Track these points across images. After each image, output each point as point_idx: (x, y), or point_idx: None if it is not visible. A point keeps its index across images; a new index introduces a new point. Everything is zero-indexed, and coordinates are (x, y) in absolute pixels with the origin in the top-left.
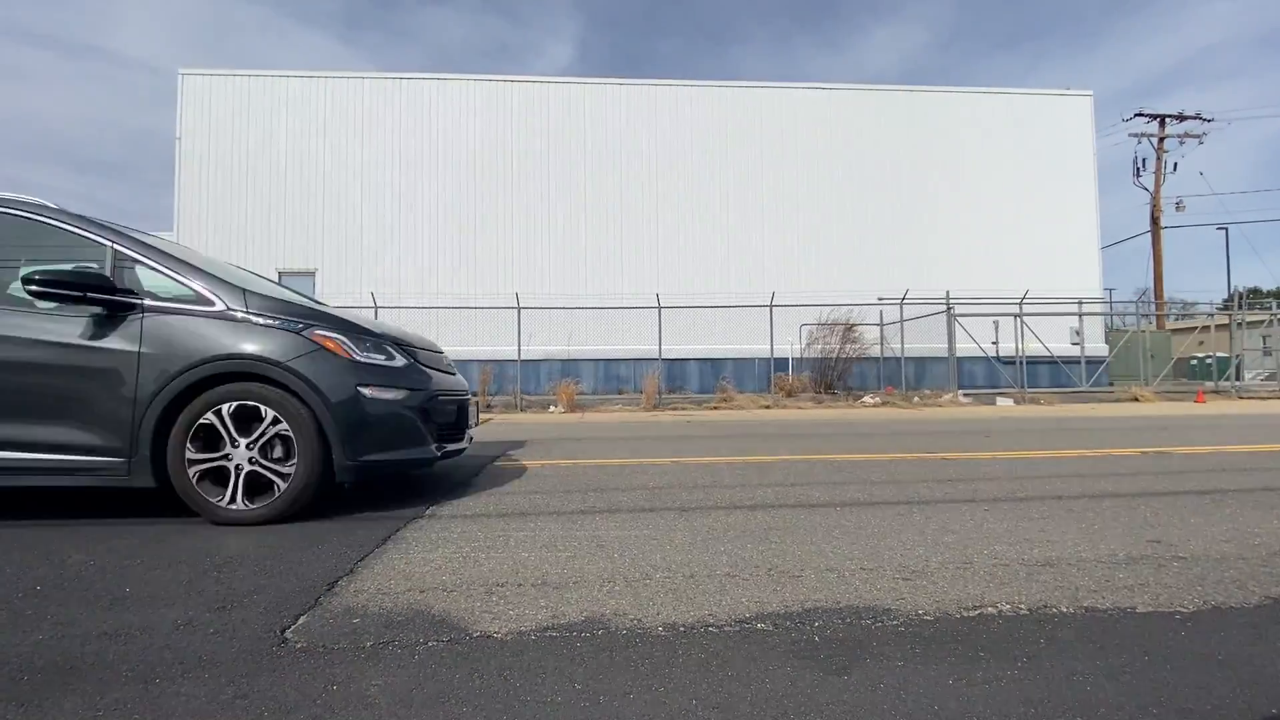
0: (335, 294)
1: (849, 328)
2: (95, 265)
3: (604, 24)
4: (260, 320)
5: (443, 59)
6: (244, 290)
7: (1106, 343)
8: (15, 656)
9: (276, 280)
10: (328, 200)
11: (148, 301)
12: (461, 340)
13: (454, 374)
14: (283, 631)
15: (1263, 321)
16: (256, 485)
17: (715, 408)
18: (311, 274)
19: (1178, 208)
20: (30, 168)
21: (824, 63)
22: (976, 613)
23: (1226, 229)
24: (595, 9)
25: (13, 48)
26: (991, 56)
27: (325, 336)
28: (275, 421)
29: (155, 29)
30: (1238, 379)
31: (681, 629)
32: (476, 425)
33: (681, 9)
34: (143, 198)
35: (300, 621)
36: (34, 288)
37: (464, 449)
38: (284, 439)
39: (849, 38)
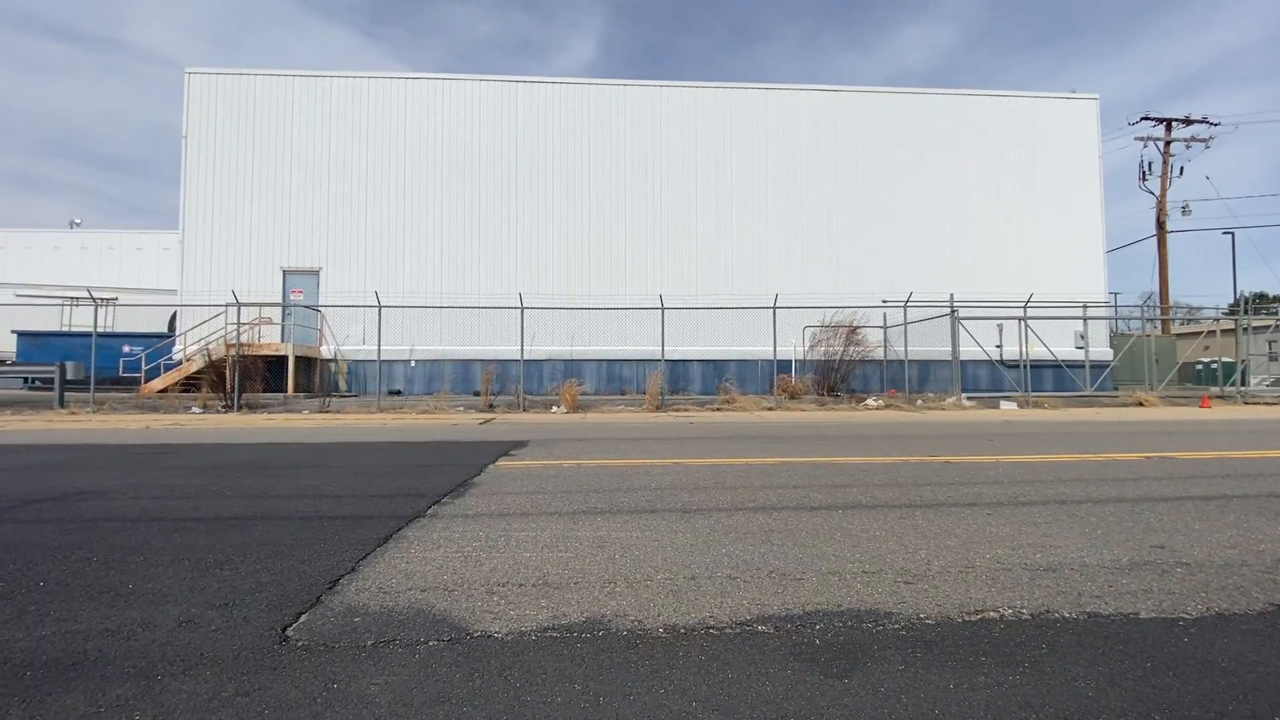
0: (339, 293)
1: (852, 330)
2: None
3: (629, 20)
4: None
5: (466, 55)
6: None
7: (1111, 347)
8: (19, 652)
9: (281, 279)
10: (332, 199)
11: None
12: (465, 340)
13: None
14: (284, 629)
15: (1269, 326)
16: None
17: (718, 409)
18: (316, 273)
19: (1184, 212)
20: (44, 162)
21: (852, 61)
22: (978, 617)
23: (1233, 234)
24: (621, 4)
25: (31, 39)
26: (1022, 54)
27: None
28: None
29: (174, 23)
30: (1243, 384)
31: (682, 630)
32: None
33: (708, 5)
34: (159, 194)
35: (302, 620)
36: None
37: None
38: None
39: (878, 36)
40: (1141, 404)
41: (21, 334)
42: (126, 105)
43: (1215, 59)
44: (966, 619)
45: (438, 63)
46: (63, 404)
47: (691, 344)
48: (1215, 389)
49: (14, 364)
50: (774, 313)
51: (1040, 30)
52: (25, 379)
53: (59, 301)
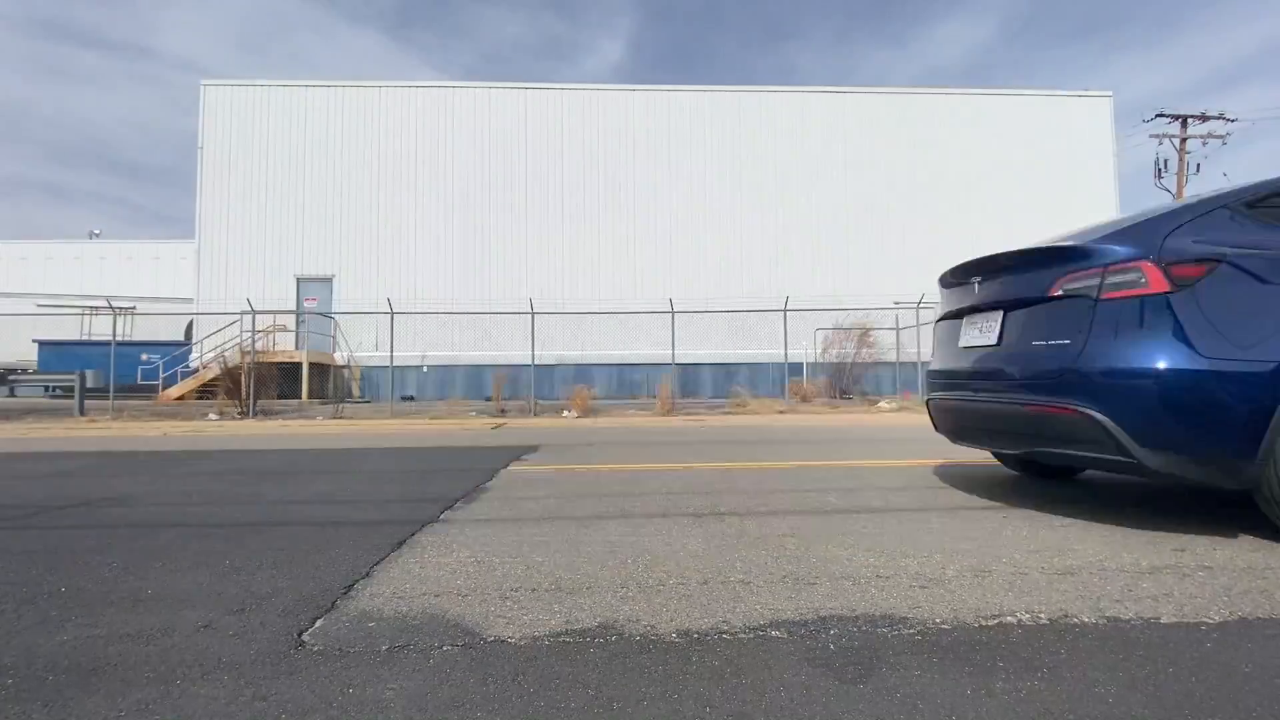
0: (352, 300)
1: (864, 332)
2: None
3: (658, 20)
4: None
5: (493, 58)
6: None
7: None
8: (40, 657)
9: (295, 287)
10: (345, 207)
11: None
12: (476, 345)
13: None
14: (300, 634)
15: None
16: None
17: (729, 412)
18: (329, 280)
19: None
20: (70, 170)
21: (885, 58)
22: (995, 622)
23: None
24: (650, 4)
25: (59, 47)
26: (1062, 48)
27: None
28: None
29: (203, 30)
30: None
31: (695, 635)
32: None
33: (740, 3)
34: (183, 202)
35: (317, 624)
36: None
37: None
38: None
39: (913, 32)
40: None
41: (42, 343)
42: (154, 113)
43: (1261, 50)
44: (983, 624)
45: (465, 65)
46: (83, 412)
47: (702, 347)
48: None
49: (35, 373)
50: (785, 315)
51: (1081, 23)
52: (46, 387)
53: (79, 311)
